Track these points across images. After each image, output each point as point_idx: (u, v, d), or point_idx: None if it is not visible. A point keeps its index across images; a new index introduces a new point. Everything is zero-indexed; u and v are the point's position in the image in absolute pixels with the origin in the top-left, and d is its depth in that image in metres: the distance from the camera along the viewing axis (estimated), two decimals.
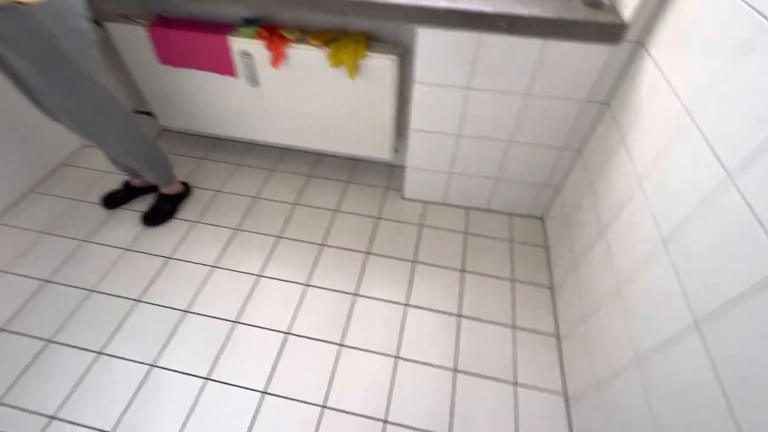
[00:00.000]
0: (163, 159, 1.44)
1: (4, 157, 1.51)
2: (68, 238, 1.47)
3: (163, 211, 1.53)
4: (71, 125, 1.20)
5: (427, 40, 1.13)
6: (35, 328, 1.23)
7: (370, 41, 1.32)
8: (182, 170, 1.71)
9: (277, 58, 1.32)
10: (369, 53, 1.27)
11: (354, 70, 1.29)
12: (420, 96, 1.27)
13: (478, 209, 1.62)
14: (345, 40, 1.28)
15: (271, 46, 1.29)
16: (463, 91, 1.23)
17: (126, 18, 1.39)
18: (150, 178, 1.46)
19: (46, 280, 1.35)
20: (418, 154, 1.45)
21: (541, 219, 1.59)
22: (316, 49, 1.29)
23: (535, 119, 1.26)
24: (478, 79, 1.19)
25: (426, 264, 1.43)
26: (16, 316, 1.25)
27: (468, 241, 1.51)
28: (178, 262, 1.41)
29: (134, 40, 1.41)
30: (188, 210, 1.58)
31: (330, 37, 1.30)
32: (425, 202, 1.64)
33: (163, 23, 1.37)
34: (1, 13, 0.85)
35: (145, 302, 1.30)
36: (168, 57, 1.42)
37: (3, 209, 1.55)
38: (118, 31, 1.40)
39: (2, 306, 1.28)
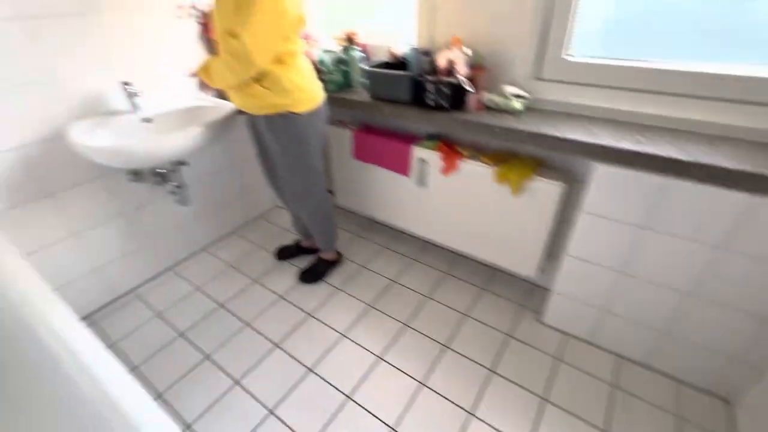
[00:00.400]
0: (334, 229, 1.71)
1: (229, 204, 2.04)
2: (244, 275, 1.81)
3: (317, 272, 1.76)
4: (287, 196, 1.56)
5: (604, 176, 1.14)
6: (201, 342, 1.49)
7: (540, 165, 1.40)
8: (340, 242, 1.97)
9: (449, 169, 1.50)
10: (536, 176, 1.34)
11: (518, 189, 1.37)
12: (585, 225, 1.24)
13: (633, 361, 1.37)
14: (514, 162, 1.39)
15: (446, 158, 1.49)
16: (636, 229, 1.16)
17: (341, 123, 1.82)
18: (317, 242, 1.73)
19: (220, 305, 1.66)
20: (569, 280, 1.37)
21: (727, 401, 1.24)
22: (485, 165, 1.43)
23: (727, 276, 1.08)
24: (657, 220, 1.11)
25: (559, 407, 1.24)
26: (192, 328, 1.55)
27: (616, 397, 1.27)
28: (316, 321, 1.57)
29: (340, 138, 1.82)
30: (335, 277, 1.79)
31: (501, 158, 1.43)
32: (566, 334, 1.48)
33: (365, 129, 1.75)
34: (280, 119, 1.24)
35: (281, 348, 1.46)
36: (361, 154, 1.78)
37: (213, 241, 2.03)
38: (333, 131, 1.83)
39: (188, 316, 1.61)
